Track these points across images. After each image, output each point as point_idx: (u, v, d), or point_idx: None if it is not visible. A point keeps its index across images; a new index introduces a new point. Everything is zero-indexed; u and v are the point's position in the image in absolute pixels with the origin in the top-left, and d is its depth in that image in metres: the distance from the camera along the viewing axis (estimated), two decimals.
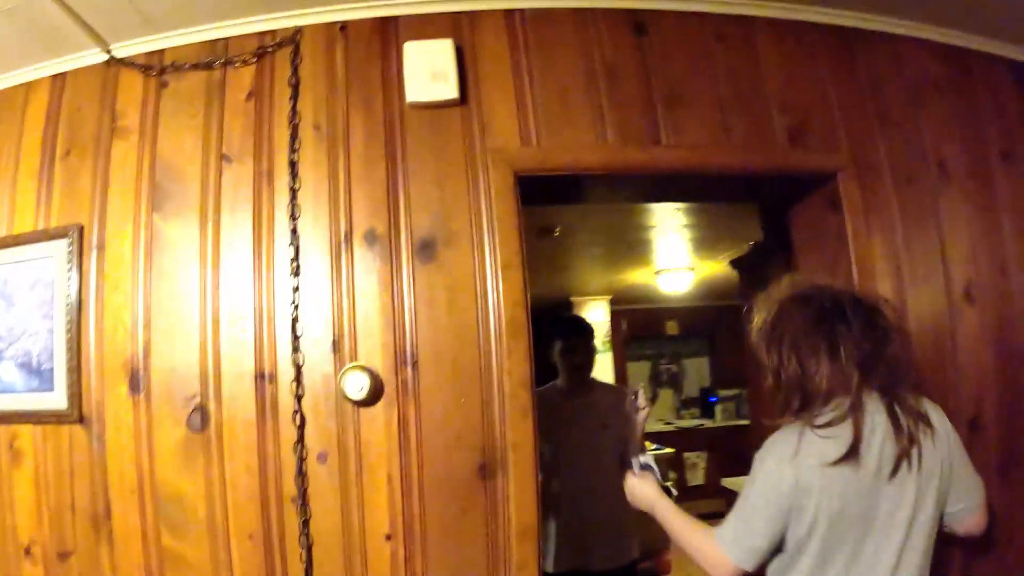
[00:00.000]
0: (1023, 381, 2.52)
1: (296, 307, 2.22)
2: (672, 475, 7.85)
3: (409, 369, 2.20)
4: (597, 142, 2.35)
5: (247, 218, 2.28)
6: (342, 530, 2.16)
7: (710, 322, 9.74)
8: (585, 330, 3.29)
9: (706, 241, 6.15)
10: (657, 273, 7.45)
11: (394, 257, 2.23)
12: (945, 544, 1.75)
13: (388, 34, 2.35)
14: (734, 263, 4.53)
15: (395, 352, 2.20)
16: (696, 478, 8.48)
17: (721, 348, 9.86)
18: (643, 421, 3.02)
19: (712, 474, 8.20)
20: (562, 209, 4.61)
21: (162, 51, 2.40)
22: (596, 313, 8.71)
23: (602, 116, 2.37)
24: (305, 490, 2.16)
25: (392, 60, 2.32)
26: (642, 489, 2.11)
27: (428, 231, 2.25)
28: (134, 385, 2.24)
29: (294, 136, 2.29)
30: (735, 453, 7.41)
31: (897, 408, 1.69)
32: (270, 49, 2.35)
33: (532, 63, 2.37)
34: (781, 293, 1.85)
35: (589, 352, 3.28)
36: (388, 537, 2.15)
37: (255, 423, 2.19)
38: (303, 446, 2.17)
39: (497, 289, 2.21)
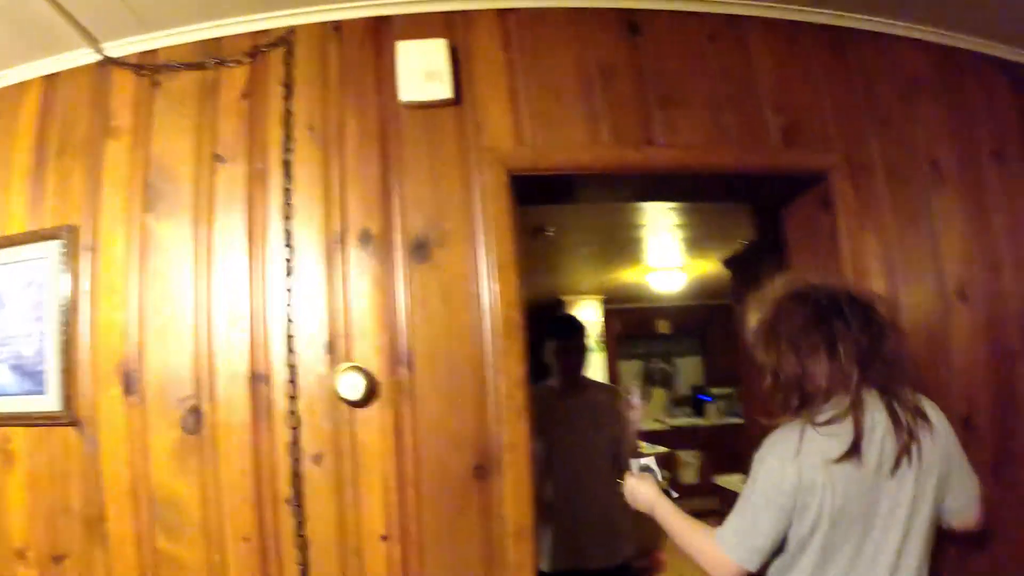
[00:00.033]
0: (1016, 380, 2.51)
1: (290, 308, 2.19)
2: (665, 474, 7.83)
3: (404, 369, 2.18)
4: (591, 142, 2.33)
5: (241, 218, 2.25)
6: (338, 531, 2.14)
7: (702, 321, 9.74)
8: (578, 329, 3.27)
9: (698, 240, 6.14)
10: (649, 272, 7.45)
11: (388, 257, 2.22)
12: (939, 540, 1.74)
13: (382, 34, 2.33)
14: (727, 262, 4.53)
15: (390, 352, 2.18)
16: (689, 477, 8.48)
17: (713, 347, 9.85)
18: (637, 420, 3.02)
19: (705, 473, 8.20)
20: (554, 209, 4.59)
21: (155, 51, 2.37)
22: (588, 312, 8.69)
23: (596, 116, 2.35)
24: (300, 491, 2.14)
25: (386, 60, 2.29)
26: (642, 490, 2.08)
27: (422, 231, 2.23)
28: (128, 387, 2.21)
29: (288, 136, 2.26)
30: (728, 452, 7.42)
31: (896, 405, 1.67)
32: (263, 49, 2.32)
33: (526, 63, 2.35)
34: (776, 292, 1.82)
35: (582, 351, 3.26)
36: (384, 538, 2.13)
37: (250, 424, 2.17)
38: (298, 447, 2.15)
39: (492, 289, 2.20)
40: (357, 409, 2.16)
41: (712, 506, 4.60)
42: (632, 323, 9.62)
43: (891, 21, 2.60)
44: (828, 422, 1.65)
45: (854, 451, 1.60)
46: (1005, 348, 2.53)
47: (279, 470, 2.15)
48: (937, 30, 2.64)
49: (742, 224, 4.20)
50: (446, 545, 2.15)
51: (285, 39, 2.32)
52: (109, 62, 2.36)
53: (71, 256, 2.27)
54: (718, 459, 7.92)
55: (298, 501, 2.13)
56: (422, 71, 2.23)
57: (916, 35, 2.64)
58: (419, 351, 2.18)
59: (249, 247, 2.23)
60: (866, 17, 2.58)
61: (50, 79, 2.42)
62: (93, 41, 2.32)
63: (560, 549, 2.99)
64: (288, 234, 2.22)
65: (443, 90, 2.24)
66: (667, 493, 2.03)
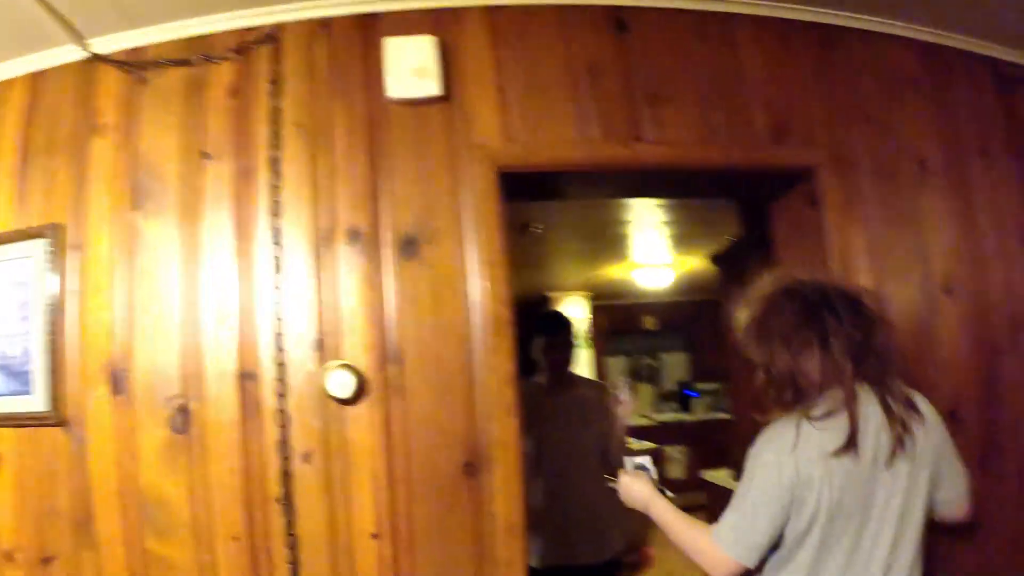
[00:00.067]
0: (1000, 374, 2.51)
1: (279, 305, 2.15)
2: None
3: (393, 367, 2.15)
4: (579, 138, 2.31)
5: (228, 216, 2.21)
6: (328, 529, 2.11)
7: (688, 317, 9.71)
8: (565, 325, 3.25)
9: (684, 237, 6.12)
10: (636, 269, 7.44)
11: (377, 254, 2.19)
12: (929, 532, 1.74)
13: (370, 30, 2.29)
14: (714, 258, 4.52)
15: (379, 350, 2.15)
16: (676, 472, 8.47)
17: (699, 343, 9.81)
18: (625, 415, 3.00)
19: (692, 468, 8.19)
20: (540, 205, 4.57)
21: (141, 47, 2.32)
22: (575, 309, 8.66)
23: (584, 112, 2.33)
24: (290, 490, 2.10)
25: (374, 57, 2.26)
26: (637, 488, 2.04)
27: (411, 228, 2.20)
28: (115, 386, 2.16)
29: (275, 133, 2.22)
30: (714, 447, 7.41)
31: (888, 397, 1.67)
32: (251, 46, 2.28)
33: (514, 59, 2.32)
34: (766, 289, 1.80)
35: (569, 347, 3.24)
36: (374, 536, 2.11)
37: (238, 423, 2.13)
38: (287, 446, 2.11)
39: (480, 286, 2.17)
40: (347, 407, 2.13)
41: (699, 501, 4.59)
42: (619, 319, 9.59)
43: (879, 19, 2.58)
44: (824, 416, 1.63)
45: (850, 444, 1.59)
46: (990, 342, 2.53)
47: (268, 469, 2.12)
48: (924, 28, 2.62)
49: (729, 220, 4.19)
50: (436, 542, 2.12)
51: (273, 36, 2.28)
52: (95, 59, 2.30)
53: (57, 255, 2.22)
54: (705, 454, 7.91)
55: (288, 500, 2.10)
56: (410, 68, 2.20)
57: (903, 33, 2.63)
58: (408, 348, 2.15)
59: (237, 245, 2.20)
60: (854, 15, 2.56)
61: (35, 76, 2.36)
62: (79, 38, 2.26)
63: (549, 545, 2.98)
64: (276, 232, 2.18)
65: (431, 87, 2.20)
66: (662, 491, 2.01)
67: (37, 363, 2.20)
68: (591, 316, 8.95)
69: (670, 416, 9.56)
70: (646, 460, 2.16)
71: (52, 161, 2.29)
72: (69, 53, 2.32)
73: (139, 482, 2.14)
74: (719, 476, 4.37)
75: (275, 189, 2.20)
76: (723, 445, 5.20)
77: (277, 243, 2.18)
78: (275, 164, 2.21)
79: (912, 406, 1.70)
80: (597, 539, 3.06)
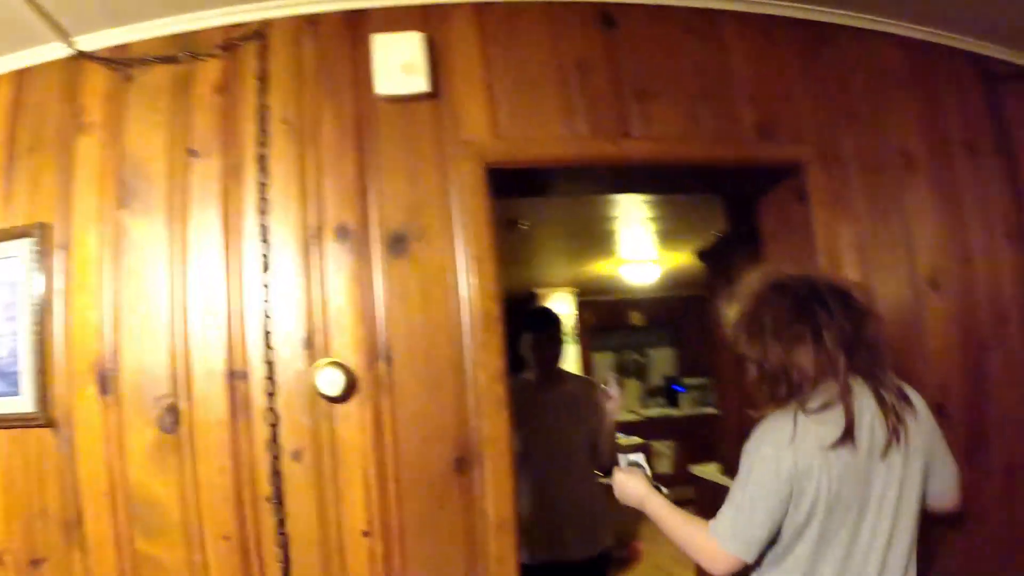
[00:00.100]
0: (987, 368, 2.51)
1: (267, 303, 2.11)
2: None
3: (383, 364, 2.11)
4: (567, 134, 2.28)
5: (216, 214, 2.16)
6: (319, 528, 2.08)
7: (675, 312, 9.71)
8: (554, 321, 3.23)
9: (671, 233, 6.11)
10: (622, 265, 7.43)
11: (365, 252, 2.15)
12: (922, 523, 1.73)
13: (357, 27, 2.25)
14: (700, 254, 4.51)
15: (368, 347, 2.12)
16: (663, 467, 8.48)
17: (686, 338, 9.82)
18: (615, 411, 2.99)
19: (679, 462, 8.20)
20: (527, 201, 4.54)
21: (127, 45, 2.26)
22: (561, 305, 8.63)
23: (572, 109, 2.30)
24: (280, 489, 2.07)
25: (361, 53, 2.21)
26: (631, 485, 1.99)
27: (400, 225, 2.17)
28: (103, 387, 2.11)
29: (263, 130, 2.18)
30: (702, 441, 7.43)
31: (881, 389, 1.65)
32: (238, 42, 2.23)
33: (502, 56, 2.29)
34: (755, 284, 1.78)
35: (558, 343, 3.21)
36: (365, 533, 2.08)
37: (228, 422, 2.09)
38: (277, 444, 2.08)
39: (470, 282, 2.15)
40: (336, 405, 2.09)
41: (688, 496, 4.59)
42: (605, 315, 9.59)
43: (864, 16, 2.56)
44: (820, 409, 1.61)
45: (848, 436, 1.57)
46: (976, 336, 2.52)
47: (258, 468, 2.08)
48: (909, 25, 2.61)
49: (714, 216, 4.18)
50: (428, 539, 2.10)
51: (260, 32, 2.23)
52: (81, 56, 2.25)
53: (44, 254, 2.17)
54: (692, 449, 7.92)
55: (278, 498, 2.06)
56: (398, 64, 2.16)
57: (889, 30, 2.61)
58: (398, 346, 2.12)
59: (225, 243, 2.15)
60: (840, 12, 2.54)
61: (20, 74, 2.30)
62: (64, 35, 2.21)
63: (539, 541, 2.95)
64: (264, 229, 2.14)
65: (420, 83, 2.17)
66: (657, 488, 1.98)
67: (24, 364, 2.15)
68: (578, 312, 8.93)
69: (657, 411, 9.56)
70: (640, 457, 2.13)
71: (37, 160, 2.23)
72: (54, 51, 2.26)
73: (128, 482, 2.09)
74: (707, 471, 4.36)
75: (263, 187, 2.16)
76: (710, 439, 5.20)
77: (265, 241, 2.14)
78: (263, 161, 2.17)
79: (904, 397, 1.69)
80: (587, 534, 3.04)
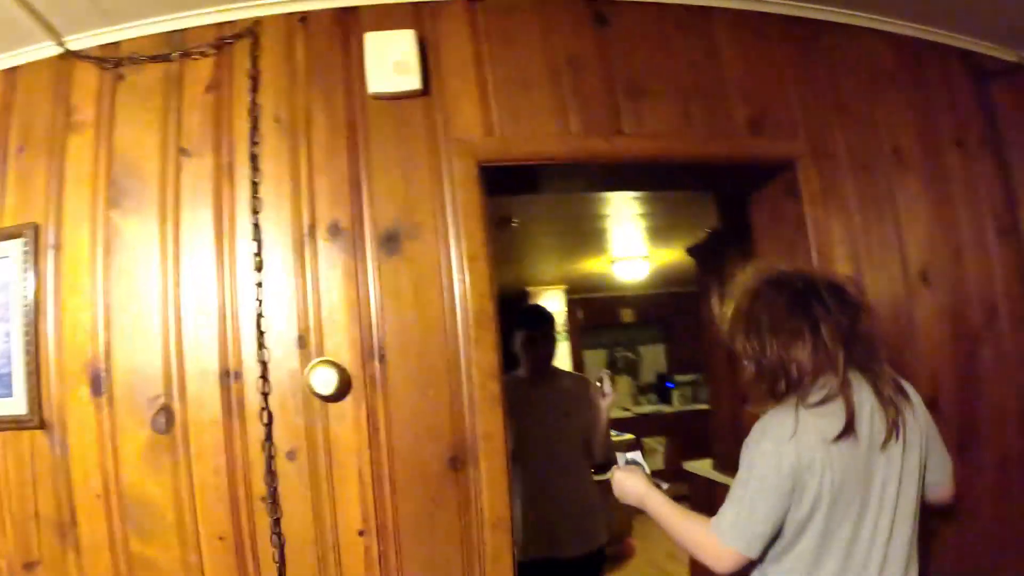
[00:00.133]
0: (978, 362, 2.50)
1: (260, 303, 2.08)
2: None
3: (377, 363, 2.08)
4: (560, 132, 2.25)
5: (208, 213, 2.12)
6: (314, 527, 2.04)
7: (666, 309, 9.67)
8: (547, 319, 3.21)
9: (661, 230, 6.08)
10: (612, 262, 7.41)
11: (358, 250, 2.11)
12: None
13: (349, 25, 2.21)
14: (691, 251, 4.49)
15: (362, 346, 2.08)
16: (655, 463, 8.46)
17: (677, 334, 9.78)
18: (608, 407, 2.97)
19: (671, 459, 8.18)
20: (517, 199, 4.51)
21: (118, 43, 2.22)
22: (552, 302, 8.59)
23: (565, 106, 2.27)
24: (275, 489, 2.04)
25: (353, 51, 2.18)
26: (631, 484, 1.95)
27: (392, 223, 2.13)
28: (96, 387, 2.07)
29: (254, 129, 2.14)
30: (694, 437, 7.40)
31: (879, 382, 1.64)
32: (229, 41, 2.19)
33: (494, 54, 2.25)
34: (749, 281, 1.76)
35: (551, 341, 3.19)
36: (361, 533, 2.05)
37: (221, 422, 2.05)
38: (271, 444, 2.04)
39: (463, 280, 2.12)
40: (330, 404, 2.06)
41: (681, 491, 4.57)
42: (596, 312, 9.54)
43: (855, 13, 2.54)
44: (820, 403, 1.59)
45: (849, 429, 1.55)
46: (967, 331, 2.51)
47: (253, 467, 2.04)
48: (900, 22, 2.59)
49: (705, 213, 4.16)
50: (423, 537, 2.07)
51: (251, 30, 2.19)
52: (71, 55, 2.20)
53: (34, 255, 2.12)
54: (684, 445, 7.90)
55: (273, 498, 2.03)
56: (390, 62, 2.12)
57: (880, 27, 2.59)
58: (391, 344, 2.09)
59: (217, 242, 2.11)
60: (831, 9, 2.52)
61: (9, 73, 2.26)
62: (54, 34, 2.16)
63: (534, 538, 2.93)
64: (256, 228, 2.10)
65: (412, 81, 2.13)
66: (657, 485, 1.93)
67: (16, 365, 2.11)
68: (569, 310, 8.89)
69: (649, 408, 9.53)
70: (638, 455, 2.10)
71: (28, 159, 2.19)
72: (44, 50, 2.21)
73: (122, 484, 2.05)
74: (700, 467, 4.34)
75: (255, 185, 2.12)
76: (703, 436, 5.19)
77: (257, 240, 2.10)
78: (255, 160, 2.13)
79: (900, 390, 1.68)
80: (581, 531, 3.02)
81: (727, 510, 1.65)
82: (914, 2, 2.49)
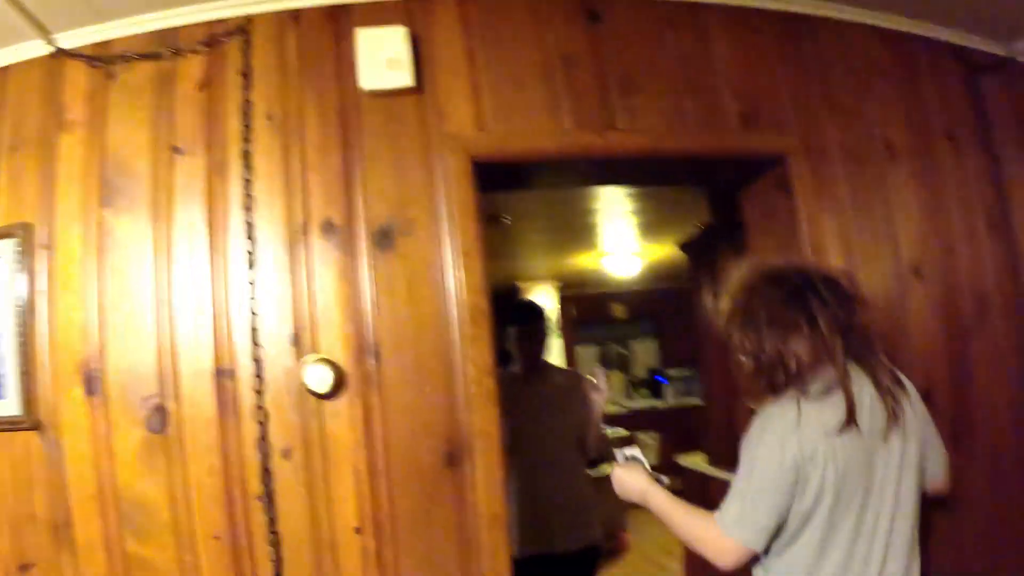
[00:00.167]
0: (970, 354, 2.48)
1: (254, 301, 2.04)
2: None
3: (371, 360, 2.05)
4: (553, 128, 2.23)
5: (200, 211, 2.09)
6: (310, 525, 2.01)
7: (658, 304, 9.67)
8: (538, 315, 3.18)
9: (653, 225, 6.06)
10: (604, 258, 7.39)
11: (352, 247, 2.09)
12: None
13: (340, 21, 2.18)
14: (683, 246, 4.47)
15: (356, 343, 2.05)
16: (649, 458, 8.44)
17: (669, 329, 9.77)
18: (602, 402, 2.95)
19: (664, 453, 8.17)
20: (508, 195, 4.48)
21: (109, 42, 2.18)
22: (544, 299, 8.56)
23: (557, 102, 2.24)
24: (271, 487, 2.00)
25: (345, 48, 2.15)
26: (631, 480, 1.92)
27: (386, 220, 2.10)
28: (90, 387, 2.03)
29: (247, 126, 2.10)
30: (687, 432, 7.40)
31: (877, 373, 1.63)
32: (221, 38, 2.15)
33: (487, 50, 2.23)
34: (745, 276, 1.74)
35: (543, 336, 3.16)
36: (357, 530, 2.02)
37: (216, 421, 2.02)
38: (266, 442, 2.01)
39: (457, 276, 2.09)
40: (325, 401, 2.03)
41: (675, 485, 4.55)
42: (588, 308, 9.50)
43: (845, 8, 2.52)
44: (820, 394, 1.57)
45: (851, 420, 1.54)
46: (959, 323, 2.49)
47: (248, 466, 2.01)
48: (890, 16, 2.57)
49: (697, 208, 4.15)
50: (420, 534, 2.04)
51: (242, 28, 2.15)
52: (62, 54, 2.16)
53: (26, 255, 2.08)
54: (677, 440, 7.89)
55: (269, 497, 2.00)
56: (382, 59, 2.09)
57: (870, 21, 2.57)
58: (386, 341, 2.06)
59: (210, 240, 2.08)
60: (821, 4, 2.50)
61: (0, 72, 2.22)
62: (45, 32, 2.12)
63: (528, 534, 2.91)
64: (249, 226, 2.07)
65: (404, 78, 2.10)
66: (658, 481, 1.90)
67: (9, 366, 2.07)
68: (560, 305, 8.87)
69: (642, 403, 9.51)
70: (637, 451, 2.06)
71: (19, 159, 2.15)
72: (34, 48, 2.17)
73: (117, 484, 2.02)
74: (694, 461, 4.33)
75: (247, 183, 2.08)
76: (695, 430, 5.19)
77: (251, 238, 2.07)
78: (247, 158, 2.10)
79: (898, 381, 1.66)
80: (575, 526, 2.99)
81: (730, 504, 1.63)
82: None
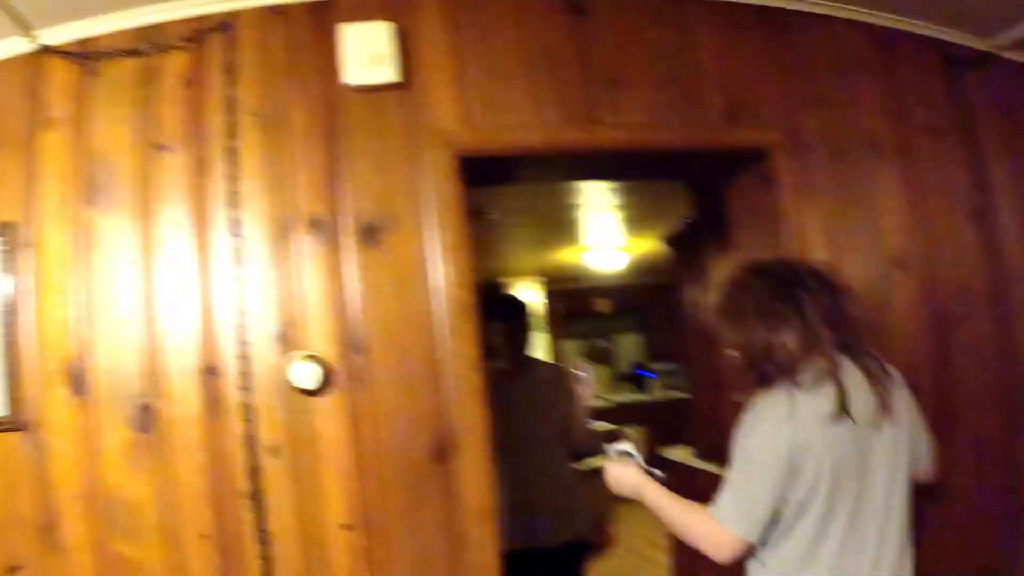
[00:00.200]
0: (953, 345, 2.47)
1: (240, 298, 2.01)
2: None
3: (358, 356, 2.02)
4: (538, 122, 2.21)
5: (186, 209, 2.05)
6: (299, 523, 1.99)
7: (642, 299, 9.66)
8: (521, 309, 3.16)
9: (636, 220, 6.04)
10: (589, 252, 7.37)
11: (338, 243, 2.06)
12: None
13: (325, 17, 2.14)
14: (668, 240, 4.46)
15: (343, 339, 2.02)
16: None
17: (654, 324, 9.76)
18: (586, 395, 2.93)
19: (650, 447, 8.18)
20: (491, 191, 4.45)
21: (92, 38, 2.12)
22: (527, 294, 8.52)
23: (542, 97, 2.23)
24: (259, 485, 1.97)
25: (330, 44, 2.11)
26: (625, 476, 1.88)
27: (372, 216, 2.07)
28: (75, 387, 1.99)
29: (231, 123, 2.06)
30: (672, 426, 7.40)
31: (867, 362, 1.61)
32: (204, 34, 2.10)
33: (471, 45, 2.21)
34: (731, 271, 1.73)
35: (526, 330, 3.14)
36: (346, 527, 2.00)
37: (203, 419, 1.99)
38: (254, 440, 1.98)
39: (443, 272, 2.07)
40: (313, 398, 2.00)
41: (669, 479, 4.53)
42: (573, 303, 9.46)
43: (828, 3, 2.50)
44: (812, 384, 1.55)
45: (843, 409, 1.51)
46: (942, 315, 2.48)
47: (236, 464, 1.98)
48: (874, 12, 2.55)
49: (681, 202, 4.13)
50: (409, 530, 2.02)
51: (226, 24, 2.10)
52: (44, 51, 2.10)
53: (10, 254, 2.02)
54: (663, 434, 7.90)
55: (257, 495, 1.97)
56: (367, 54, 2.06)
57: (852, 16, 2.55)
58: (373, 337, 2.03)
59: (195, 238, 2.04)
60: None
61: None
62: (27, 28, 2.07)
63: (514, 529, 2.89)
64: (235, 223, 2.03)
65: (389, 73, 2.07)
66: (652, 475, 1.86)
67: None
68: (545, 301, 8.84)
69: (627, 397, 9.49)
70: (629, 446, 2.03)
71: (1, 157, 2.08)
72: (16, 45, 2.10)
73: (104, 484, 1.97)
74: (680, 454, 4.31)
75: (233, 180, 2.05)
76: (681, 424, 5.18)
77: (236, 235, 2.03)
78: (232, 154, 2.06)
79: (886, 371, 1.65)
80: (561, 520, 2.96)
81: (726, 497, 1.60)
82: None
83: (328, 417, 2.01)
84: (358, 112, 2.12)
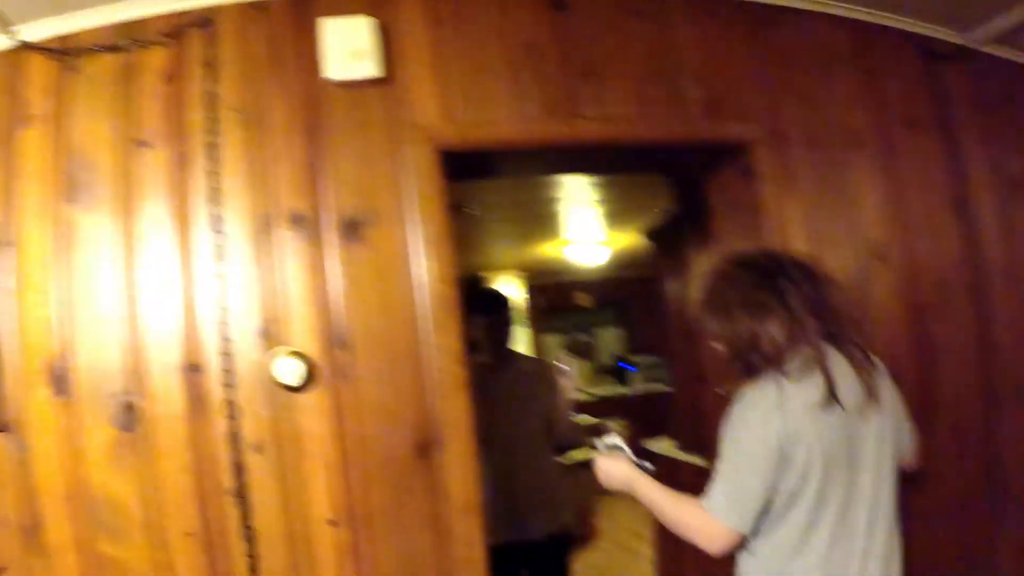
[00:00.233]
0: (932, 336, 2.48)
1: (222, 295, 1.97)
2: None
3: (342, 352, 1.99)
4: (519, 116, 2.19)
5: (167, 205, 2.00)
6: (284, 520, 1.96)
7: (623, 293, 9.63)
8: (502, 303, 3.14)
9: (616, 214, 6.01)
10: (569, 247, 7.34)
11: (320, 238, 2.03)
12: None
13: (305, 12, 2.10)
14: (649, 234, 4.45)
15: (326, 335, 1.99)
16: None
17: (634, 318, 9.75)
18: (569, 388, 2.92)
19: (632, 440, 8.16)
20: (471, 186, 4.40)
21: (71, 34, 2.07)
22: (509, 288, 8.48)
23: (523, 91, 2.21)
24: (243, 482, 1.94)
25: (311, 39, 2.07)
26: (616, 469, 1.87)
27: (354, 211, 2.04)
28: (57, 387, 1.94)
29: (212, 119, 2.02)
30: (653, 418, 7.40)
31: (852, 350, 1.60)
32: (185, 29, 2.06)
33: (452, 39, 2.18)
34: (714, 264, 1.73)
35: (507, 324, 3.12)
36: (332, 523, 1.97)
37: (186, 417, 1.95)
38: (238, 437, 1.94)
39: (425, 266, 2.05)
40: (296, 394, 1.97)
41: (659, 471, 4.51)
42: (554, 297, 9.40)
43: None
44: (799, 374, 1.54)
45: (832, 396, 1.51)
46: (922, 306, 2.48)
47: (220, 462, 1.94)
48: (852, 6, 2.54)
49: (661, 196, 4.12)
50: (394, 525, 2.00)
51: (206, 19, 2.06)
52: (23, 47, 2.05)
53: None
54: (645, 426, 7.89)
55: (242, 492, 1.93)
56: (348, 49, 2.02)
57: (831, 11, 2.54)
58: (356, 332, 2.00)
59: (177, 234, 1.99)
60: None
61: None
62: (5, 24, 2.01)
63: (499, 522, 2.87)
64: (216, 219, 1.99)
65: (370, 68, 2.04)
66: (642, 468, 1.84)
67: None
68: (526, 295, 8.80)
69: (608, 390, 9.47)
70: (617, 439, 2.00)
71: None
72: None
73: (87, 484, 1.93)
74: (663, 446, 4.31)
75: (214, 176, 2.00)
76: (662, 417, 5.17)
77: (218, 231, 1.99)
78: (213, 150, 2.01)
79: (870, 359, 1.64)
80: (545, 513, 2.95)
81: (717, 488, 1.59)
82: None
83: (312, 413, 1.98)
84: (339, 107, 2.08)
